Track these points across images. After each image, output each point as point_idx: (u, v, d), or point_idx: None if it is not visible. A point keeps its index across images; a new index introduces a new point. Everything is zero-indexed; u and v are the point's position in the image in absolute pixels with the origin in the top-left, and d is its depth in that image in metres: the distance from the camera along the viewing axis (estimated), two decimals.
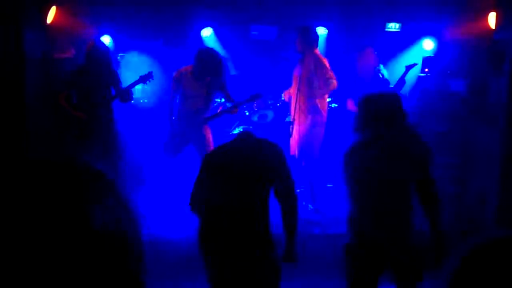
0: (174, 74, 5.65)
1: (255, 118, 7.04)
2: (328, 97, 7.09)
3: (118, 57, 6.69)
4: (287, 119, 6.35)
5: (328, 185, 6.90)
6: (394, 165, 3.05)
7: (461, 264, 1.34)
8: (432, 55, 6.83)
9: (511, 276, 1.26)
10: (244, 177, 3.02)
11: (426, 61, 6.67)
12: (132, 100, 5.62)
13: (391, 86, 6.16)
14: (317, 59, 5.84)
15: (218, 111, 5.93)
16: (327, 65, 5.86)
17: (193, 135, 5.57)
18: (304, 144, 5.85)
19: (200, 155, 5.65)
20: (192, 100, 5.52)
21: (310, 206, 5.89)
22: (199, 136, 5.58)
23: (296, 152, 5.93)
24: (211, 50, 5.61)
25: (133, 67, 6.47)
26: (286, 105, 6.53)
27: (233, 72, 7.22)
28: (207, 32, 7.32)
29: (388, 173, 3.04)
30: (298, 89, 5.77)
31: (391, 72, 6.47)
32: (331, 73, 5.80)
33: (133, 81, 5.52)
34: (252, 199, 3.04)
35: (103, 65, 5.38)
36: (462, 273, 1.33)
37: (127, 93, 5.41)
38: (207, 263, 3.11)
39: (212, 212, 3.06)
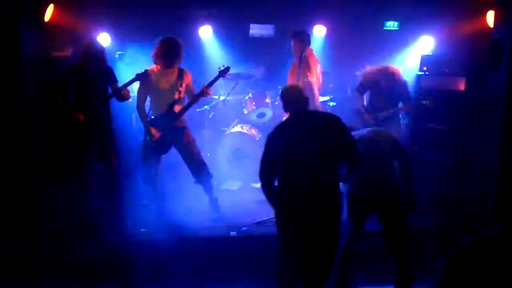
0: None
1: (254, 117, 7.04)
2: (327, 96, 7.13)
3: (116, 55, 6.66)
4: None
5: None
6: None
7: (451, 262, 1.36)
8: (431, 54, 6.84)
9: (499, 271, 1.28)
10: (315, 143, 3.62)
11: (425, 59, 6.67)
12: (129, 98, 5.56)
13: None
14: (304, 57, 6.05)
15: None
16: (311, 63, 6.05)
17: (171, 131, 5.47)
18: None
19: (180, 151, 5.57)
20: (165, 94, 5.45)
21: None
22: (178, 130, 5.49)
23: None
24: (173, 37, 5.52)
25: (130, 65, 6.45)
26: None
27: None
28: (205, 30, 7.31)
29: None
30: None
31: None
32: (309, 72, 6.02)
33: (129, 79, 5.49)
34: (325, 160, 3.64)
35: (100, 64, 5.35)
36: (453, 270, 1.35)
37: (123, 91, 5.37)
38: (285, 214, 3.71)
39: (290, 173, 3.66)
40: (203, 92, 5.41)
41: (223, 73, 5.56)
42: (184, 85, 5.47)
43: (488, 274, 1.35)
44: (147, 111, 5.53)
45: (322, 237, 3.74)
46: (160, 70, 5.45)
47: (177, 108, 5.43)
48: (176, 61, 5.44)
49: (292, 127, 3.75)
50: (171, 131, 5.44)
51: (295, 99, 3.84)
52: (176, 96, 5.42)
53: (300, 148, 3.64)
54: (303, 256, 3.79)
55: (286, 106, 3.88)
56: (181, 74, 5.48)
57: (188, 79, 5.53)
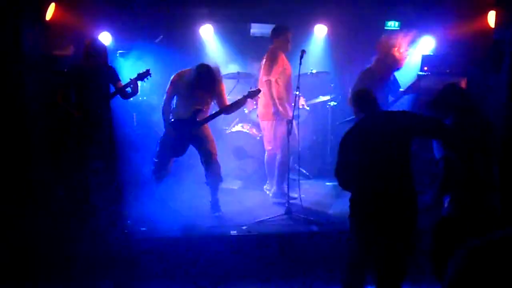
0: (172, 76, 5.58)
1: (254, 116, 7.04)
2: (328, 95, 7.13)
3: (118, 54, 6.66)
4: None
5: (327, 183, 6.92)
6: None
7: (461, 265, 1.35)
8: (432, 54, 6.83)
9: (509, 275, 1.27)
10: (388, 140, 3.58)
11: (426, 59, 6.66)
12: (137, 93, 5.57)
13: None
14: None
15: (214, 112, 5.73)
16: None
17: (192, 135, 5.50)
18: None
19: (198, 149, 5.61)
20: (191, 101, 5.47)
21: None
22: (199, 135, 5.53)
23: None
24: (208, 67, 5.49)
25: (132, 64, 6.46)
26: None
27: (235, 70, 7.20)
28: (206, 29, 7.31)
29: None
30: (298, 87, 5.79)
31: None
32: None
33: (131, 79, 5.49)
34: (399, 154, 3.59)
35: (101, 63, 5.35)
36: (463, 274, 1.34)
37: (132, 86, 5.41)
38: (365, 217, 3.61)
39: (367, 173, 3.61)
40: (224, 110, 5.49)
41: (253, 95, 5.62)
42: (212, 96, 5.51)
43: (499, 280, 1.34)
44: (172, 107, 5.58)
45: (400, 237, 3.61)
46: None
47: (200, 117, 5.48)
48: (208, 88, 5.44)
49: (363, 129, 3.70)
50: (189, 137, 5.49)
51: (367, 101, 3.81)
52: (201, 105, 5.47)
53: (372, 150, 3.59)
54: (379, 256, 3.65)
55: (360, 107, 3.82)
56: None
57: (217, 88, 5.53)
